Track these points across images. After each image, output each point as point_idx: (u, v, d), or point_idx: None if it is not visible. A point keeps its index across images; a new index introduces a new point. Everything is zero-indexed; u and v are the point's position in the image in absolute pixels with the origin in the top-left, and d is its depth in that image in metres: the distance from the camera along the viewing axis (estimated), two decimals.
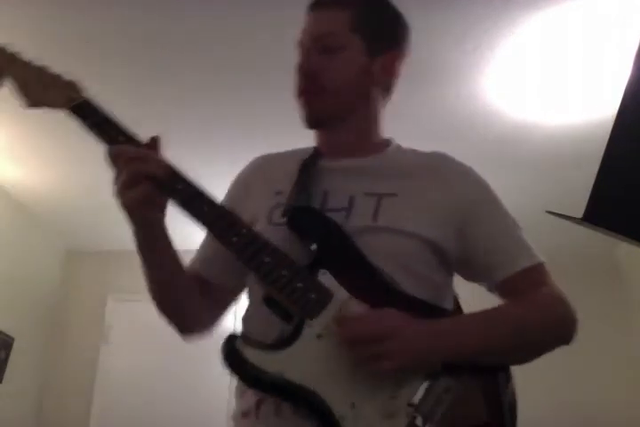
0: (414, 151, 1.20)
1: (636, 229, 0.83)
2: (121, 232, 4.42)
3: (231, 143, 3.38)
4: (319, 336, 0.93)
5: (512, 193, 3.97)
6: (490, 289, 1.11)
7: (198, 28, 2.62)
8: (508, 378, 1.01)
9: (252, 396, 0.99)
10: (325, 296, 0.95)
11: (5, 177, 3.93)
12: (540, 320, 1.04)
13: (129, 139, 0.99)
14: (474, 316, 1.02)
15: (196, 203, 0.97)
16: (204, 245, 1.19)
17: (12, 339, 4.13)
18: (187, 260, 1.11)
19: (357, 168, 1.12)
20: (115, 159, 0.95)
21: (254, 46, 2.76)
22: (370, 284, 1.00)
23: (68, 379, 4.50)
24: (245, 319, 1.10)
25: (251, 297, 1.13)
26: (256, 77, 2.97)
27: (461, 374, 0.96)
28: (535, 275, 1.10)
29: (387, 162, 1.15)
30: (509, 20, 2.55)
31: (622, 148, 0.84)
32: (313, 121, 1.13)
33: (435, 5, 2.50)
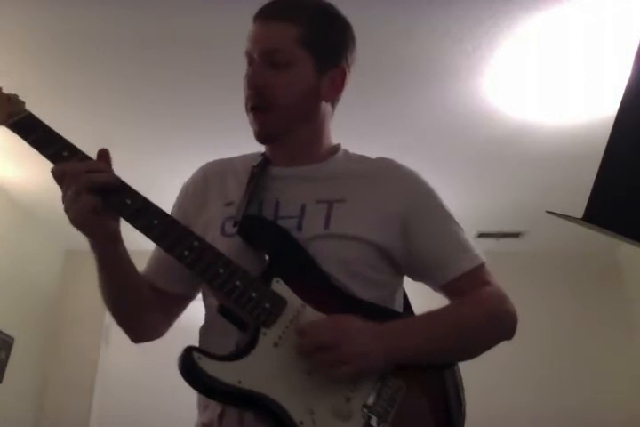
0: (361, 157, 1.21)
1: (636, 229, 0.83)
2: (122, 232, 4.44)
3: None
4: (275, 345, 0.95)
5: (512, 193, 3.99)
6: (434, 289, 1.14)
7: (198, 26, 2.62)
8: (454, 374, 1.08)
9: (214, 408, 1.01)
10: (279, 305, 0.97)
11: (5, 177, 3.93)
12: (483, 319, 1.07)
13: (72, 153, 0.97)
14: (423, 318, 1.06)
15: (145, 215, 0.97)
16: (157, 255, 1.19)
17: (12, 339, 4.13)
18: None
19: (307, 176, 1.14)
20: (60, 178, 0.94)
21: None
22: (322, 290, 1.02)
23: (68, 379, 4.50)
24: (203, 329, 1.13)
25: (206, 306, 1.15)
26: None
27: (409, 374, 1.00)
28: (478, 275, 1.12)
29: (335, 168, 1.16)
30: (509, 20, 2.55)
31: (622, 148, 0.85)
32: (263, 137, 1.14)
33: (435, 6, 2.50)
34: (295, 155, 1.15)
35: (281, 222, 1.07)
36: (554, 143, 3.41)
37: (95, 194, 0.93)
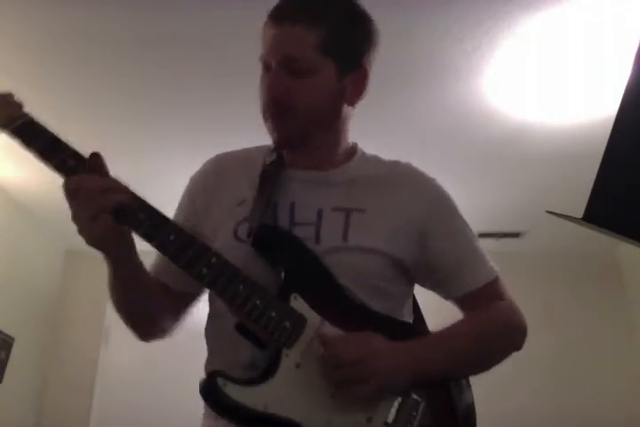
0: (379, 160, 1.18)
1: (636, 229, 0.83)
2: None
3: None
4: (297, 366, 0.94)
5: (512, 193, 3.99)
6: (447, 299, 1.14)
7: (199, 26, 2.62)
8: (462, 388, 1.08)
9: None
10: (299, 323, 0.96)
11: (5, 177, 3.93)
12: (499, 333, 1.10)
13: (79, 162, 0.91)
14: (444, 334, 1.07)
15: (161, 232, 0.91)
16: None
17: (12, 339, 4.13)
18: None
19: (324, 180, 1.11)
20: (72, 195, 0.88)
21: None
22: (339, 305, 1.01)
23: (68, 379, 4.50)
24: (210, 336, 1.11)
25: (213, 311, 1.12)
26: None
27: (426, 389, 1.01)
28: (493, 289, 1.12)
29: (353, 174, 1.13)
30: (509, 20, 2.55)
31: (622, 148, 0.84)
32: (283, 144, 1.09)
33: (435, 6, 2.50)
34: (313, 158, 1.11)
35: (297, 230, 1.04)
36: (554, 143, 3.41)
37: (110, 215, 0.88)
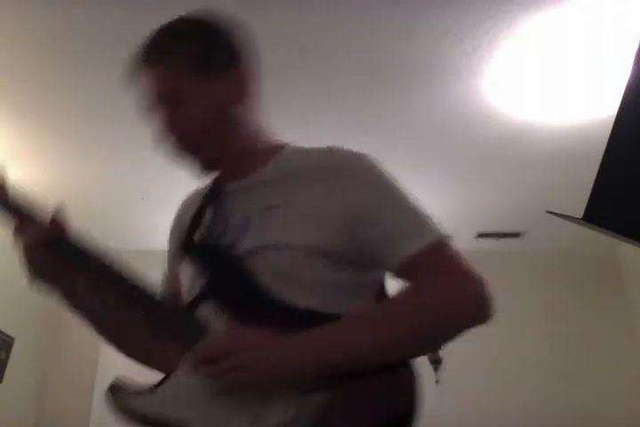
0: (307, 151, 1.14)
1: (636, 229, 0.83)
2: (121, 232, 4.43)
3: None
4: (190, 371, 0.95)
5: (512, 193, 3.99)
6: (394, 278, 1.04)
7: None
8: (401, 377, 0.93)
9: None
10: (201, 330, 0.97)
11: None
12: (434, 308, 0.95)
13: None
14: (354, 320, 0.96)
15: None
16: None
17: (12, 339, 4.13)
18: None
19: (251, 185, 1.11)
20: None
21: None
22: (258, 307, 0.99)
23: (68, 379, 4.50)
24: None
25: None
26: None
27: (340, 384, 0.90)
28: (429, 257, 0.98)
29: (277, 172, 1.11)
30: (509, 20, 2.55)
31: (622, 148, 0.85)
32: (204, 170, 1.14)
33: (435, 6, 2.50)
34: (237, 167, 1.13)
35: (227, 239, 1.06)
36: (554, 143, 3.41)
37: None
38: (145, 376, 1.00)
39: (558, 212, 0.89)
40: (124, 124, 3.38)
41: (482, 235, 4.43)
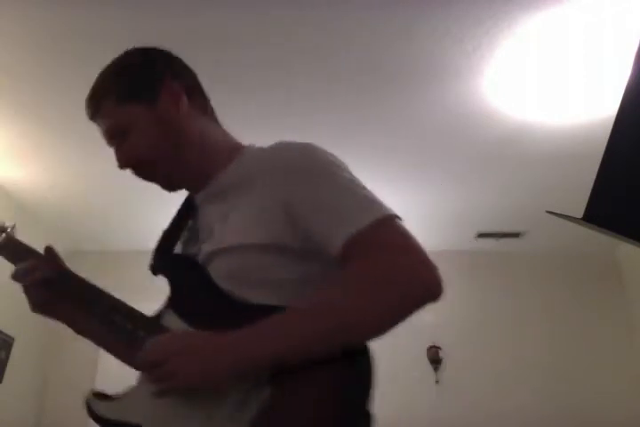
0: (262, 151, 1.14)
1: (636, 229, 0.83)
2: (121, 232, 4.42)
3: None
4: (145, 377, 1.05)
5: (512, 193, 3.99)
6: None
7: (199, 26, 2.62)
8: (357, 364, 0.91)
9: None
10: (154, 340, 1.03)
11: (6, 177, 3.93)
12: (369, 292, 0.91)
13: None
14: (289, 312, 0.93)
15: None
16: None
17: (12, 339, 4.13)
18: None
19: (213, 193, 1.15)
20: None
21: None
22: (210, 310, 1.04)
23: (68, 379, 4.50)
24: None
25: None
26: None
27: (287, 379, 0.90)
28: (371, 237, 0.94)
29: (236, 176, 1.12)
30: (509, 20, 2.55)
31: (622, 148, 0.85)
32: (173, 189, 1.20)
33: (435, 6, 2.50)
34: (201, 177, 1.16)
35: (195, 249, 1.12)
36: (554, 143, 3.41)
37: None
38: None
39: (558, 212, 0.89)
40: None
41: (482, 235, 4.43)
